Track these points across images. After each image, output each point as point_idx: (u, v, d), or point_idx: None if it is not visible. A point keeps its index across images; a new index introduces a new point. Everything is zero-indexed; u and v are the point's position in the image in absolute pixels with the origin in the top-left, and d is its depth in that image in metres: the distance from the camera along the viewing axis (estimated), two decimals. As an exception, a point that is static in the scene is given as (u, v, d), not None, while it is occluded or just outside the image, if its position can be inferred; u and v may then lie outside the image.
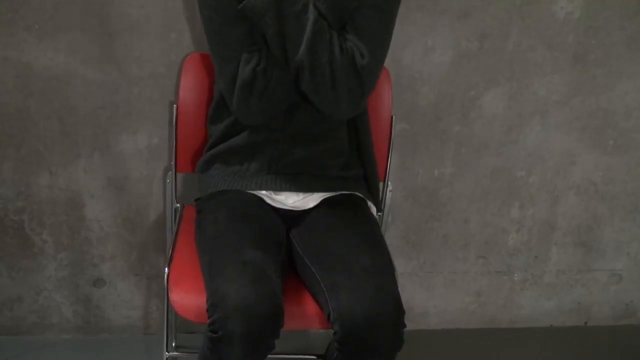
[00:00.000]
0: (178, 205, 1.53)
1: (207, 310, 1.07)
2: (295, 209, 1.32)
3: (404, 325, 1.12)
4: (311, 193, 1.32)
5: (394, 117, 1.49)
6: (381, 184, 1.48)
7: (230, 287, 1.06)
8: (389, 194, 1.51)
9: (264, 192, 1.33)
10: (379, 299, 1.09)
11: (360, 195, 1.37)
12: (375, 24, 1.19)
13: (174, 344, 1.61)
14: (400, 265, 1.79)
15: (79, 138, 1.54)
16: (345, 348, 1.12)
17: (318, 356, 1.22)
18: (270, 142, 1.30)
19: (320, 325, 1.17)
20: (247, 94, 1.20)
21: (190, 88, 1.43)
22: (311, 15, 1.14)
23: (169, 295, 1.20)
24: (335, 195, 1.34)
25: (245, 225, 1.22)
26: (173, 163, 1.49)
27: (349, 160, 1.36)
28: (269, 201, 1.33)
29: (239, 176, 1.32)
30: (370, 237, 1.23)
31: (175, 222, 1.49)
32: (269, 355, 1.11)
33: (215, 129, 1.36)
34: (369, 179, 1.40)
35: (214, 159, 1.36)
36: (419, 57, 1.56)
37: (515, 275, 1.88)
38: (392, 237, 1.75)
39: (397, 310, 1.11)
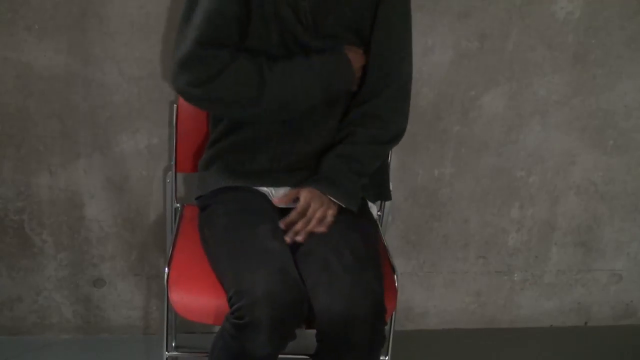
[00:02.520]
0: (178, 205, 1.53)
1: (230, 298, 1.09)
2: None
3: (385, 323, 1.13)
4: None
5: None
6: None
7: (256, 275, 1.08)
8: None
9: (265, 188, 1.33)
10: (355, 296, 1.09)
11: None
12: None
13: (174, 344, 1.61)
14: (400, 265, 1.79)
15: (79, 138, 1.54)
16: (324, 345, 1.14)
17: (310, 356, 1.22)
18: (271, 138, 1.30)
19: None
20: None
21: (190, 88, 1.43)
22: None
23: (169, 295, 1.20)
24: None
25: (260, 218, 1.23)
26: (173, 163, 1.49)
27: None
28: (270, 198, 1.33)
29: (243, 173, 1.33)
30: (363, 235, 1.23)
31: (175, 222, 1.49)
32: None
33: (217, 127, 1.35)
34: (375, 176, 1.39)
35: (217, 157, 1.35)
36: (418, 57, 1.56)
37: (515, 275, 1.88)
38: (392, 237, 1.75)
39: (376, 307, 1.11)
